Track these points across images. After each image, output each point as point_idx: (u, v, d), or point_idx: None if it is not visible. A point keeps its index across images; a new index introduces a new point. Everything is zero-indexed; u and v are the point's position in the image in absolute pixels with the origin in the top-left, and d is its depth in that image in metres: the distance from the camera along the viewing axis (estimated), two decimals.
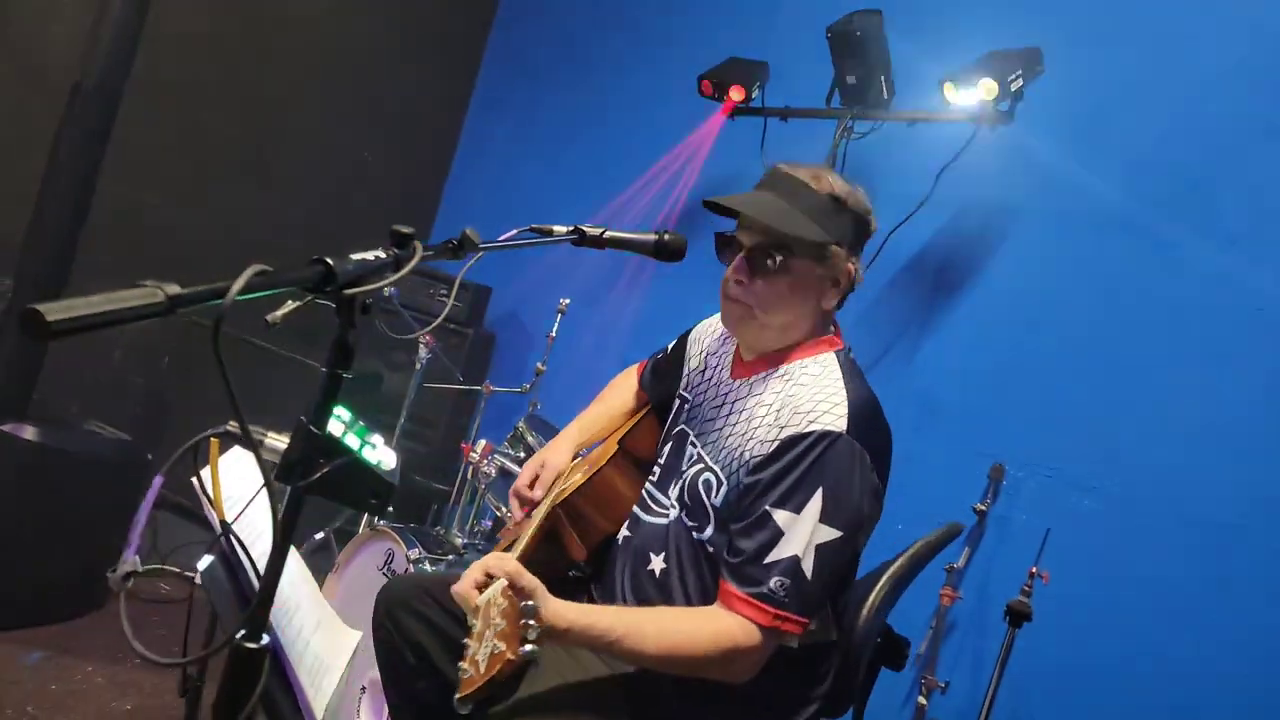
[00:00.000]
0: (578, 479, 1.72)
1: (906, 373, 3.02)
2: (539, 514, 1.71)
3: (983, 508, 2.72)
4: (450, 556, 2.42)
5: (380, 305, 3.73)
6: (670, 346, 1.91)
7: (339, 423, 1.94)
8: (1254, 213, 2.46)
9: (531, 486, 1.84)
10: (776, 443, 1.41)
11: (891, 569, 1.54)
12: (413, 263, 0.91)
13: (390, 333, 3.60)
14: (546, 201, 4.35)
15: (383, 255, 0.90)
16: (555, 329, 3.41)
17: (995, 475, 2.73)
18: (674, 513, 1.57)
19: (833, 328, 1.60)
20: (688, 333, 1.87)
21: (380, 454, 2.04)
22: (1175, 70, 2.60)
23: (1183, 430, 2.45)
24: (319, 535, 3.42)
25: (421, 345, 3.33)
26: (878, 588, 1.52)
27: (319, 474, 0.88)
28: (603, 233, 1.53)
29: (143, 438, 3.12)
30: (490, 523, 2.90)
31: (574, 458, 1.92)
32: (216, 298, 0.69)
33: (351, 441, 1.99)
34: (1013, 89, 2.41)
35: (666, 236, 1.55)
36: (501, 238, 1.51)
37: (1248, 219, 2.46)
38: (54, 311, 0.57)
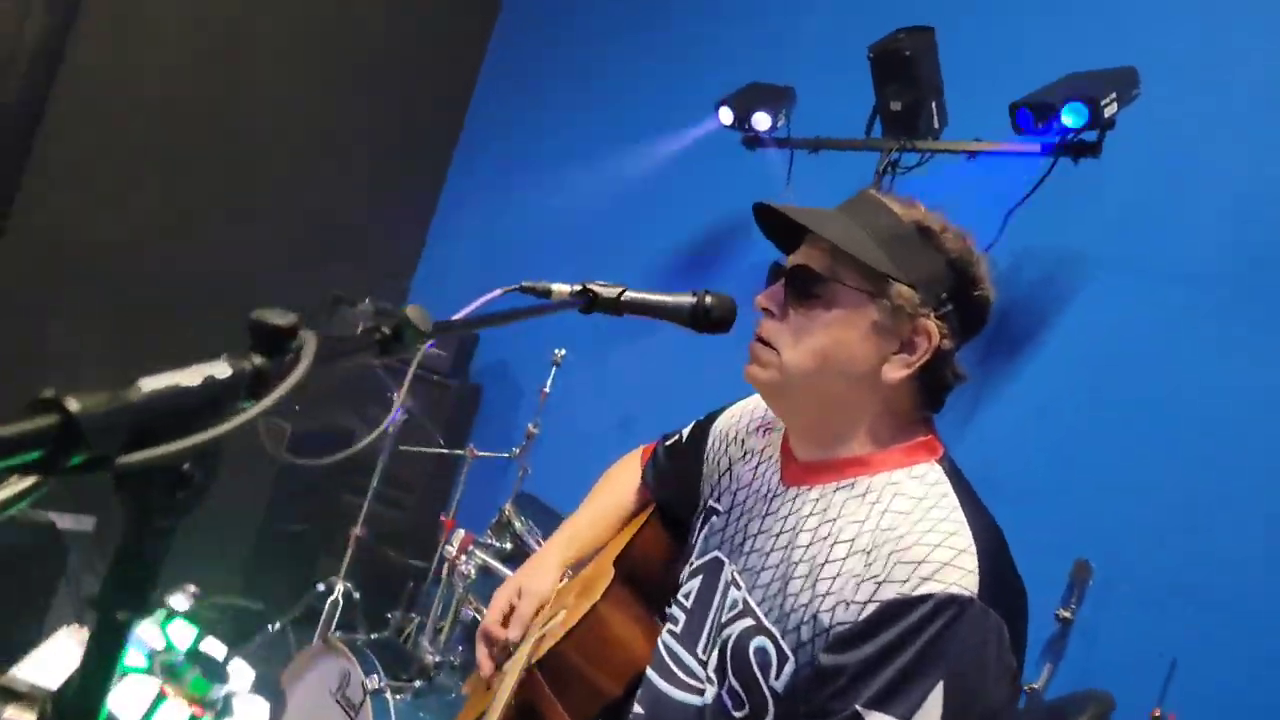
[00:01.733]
0: (558, 624, 1.26)
1: (957, 447, 2.55)
2: (512, 674, 1.25)
3: (1067, 614, 2.25)
4: (418, 683, 1.94)
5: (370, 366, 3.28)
6: (685, 434, 1.45)
7: (165, 668, 1.11)
8: None
9: (506, 623, 1.38)
10: (872, 606, 0.96)
11: None
12: (281, 390, 0.47)
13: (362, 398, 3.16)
14: (541, 240, 3.92)
15: (218, 374, 0.45)
16: (550, 383, 2.99)
17: (1079, 574, 2.26)
18: (711, 690, 1.11)
19: (927, 430, 1.13)
20: (710, 420, 1.41)
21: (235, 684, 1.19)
22: None
23: None
24: (274, 627, 2.93)
25: (395, 405, 2.88)
26: None
27: None
28: (620, 294, 1.09)
29: None
30: (470, 616, 2.43)
31: (561, 578, 1.46)
32: None
33: (171, 716, 1.08)
34: (1106, 114, 2.00)
35: (709, 299, 1.12)
36: (477, 303, 1.08)
37: None
38: None
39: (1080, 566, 2.26)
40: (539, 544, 2.24)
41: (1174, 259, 2.29)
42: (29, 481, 0.40)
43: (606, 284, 1.10)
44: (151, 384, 0.42)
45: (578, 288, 1.07)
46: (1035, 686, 2.23)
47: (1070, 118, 2.01)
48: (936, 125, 2.48)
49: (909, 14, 2.53)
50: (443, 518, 2.96)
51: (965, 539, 0.97)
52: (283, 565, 3.51)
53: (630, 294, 1.10)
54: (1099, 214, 2.39)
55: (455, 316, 0.89)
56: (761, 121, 2.77)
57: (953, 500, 1.02)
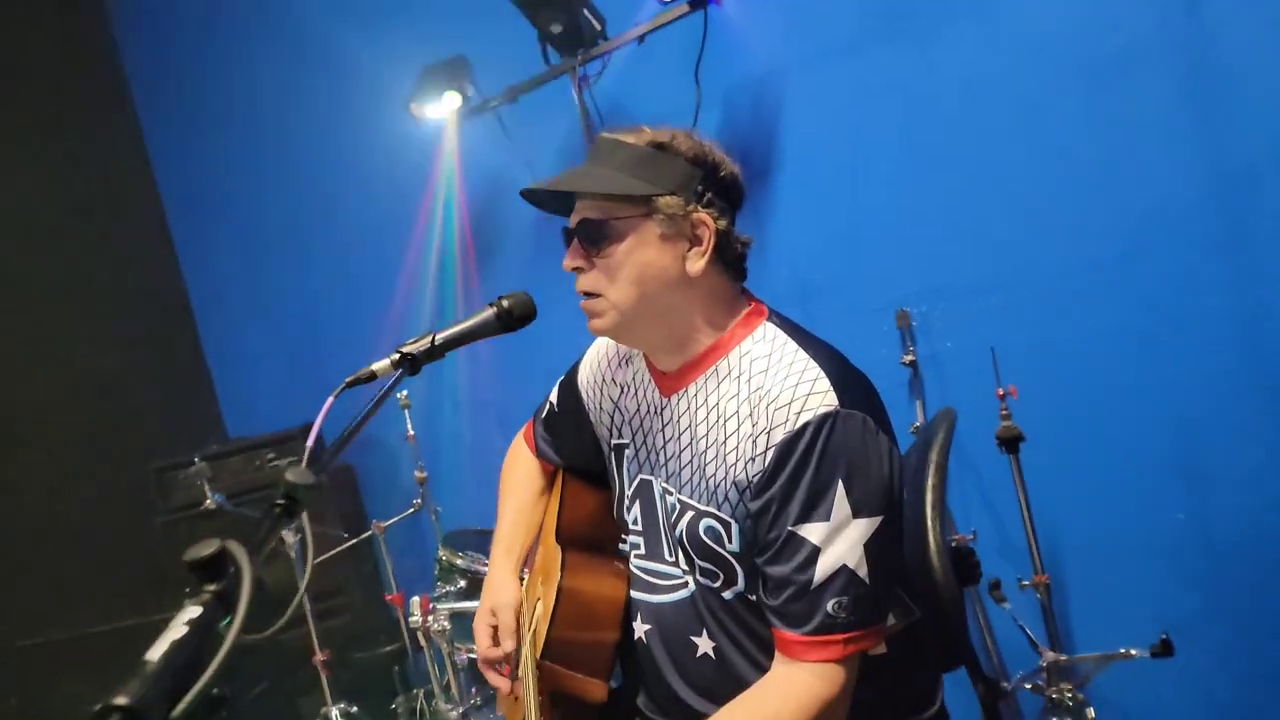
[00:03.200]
0: (541, 616, 1.41)
1: (765, 272, 2.84)
2: (527, 675, 1.39)
3: (910, 357, 2.61)
4: None
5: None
6: (555, 398, 1.61)
7: None
8: None
9: (497, 643, 1.51)
10: (771, 451, 1.17)
11: (930, 499, 1.34)
12: (245, 598, 0.57)
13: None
14: (317, 318, 3.87)
15: (192, 613, 0.55)
16: (410, 427, 3.04)
17: (902, 322, 2.62)
18: (689, 579, 1.30)
19: (747, 299, 1.34)
20: (572, 378, 1.57)
21: None
22: None
23: (1037, 187, 2.41)
24: None
25: (283, 532, 2.84)
26: (930, 526, 1.32)
27: None
28: (433, 341, 1.21)
29: None
30: (465, 658, 2.54)
31: (521, 580, 1.60)
32: None
33: None
34: None
35: (505, 303, 1.25)
36: (320, 417, 1.16)
37: None
38: None
39: (901, 315, 2.61)
40: (487, 567, 2.35)
41: (829, 37, 2.57)
42: None
43: (416, 339, 1.21)
44: (156, 651, 0.51)
45: (396, 357, 1.18)
46: (918, 425, 2.60)
47: None
48: (599, 28, 2.63)
49: None
50: (388, 597, 3.01)
51: (813, 369, 1.18)
52: None
53: (440, 336, 1.22)
54: (762, 33, 2.62)
55: (310, 442, 0.99)
56: (452, 100, 2.83)
57: (792, 345, 1.23)
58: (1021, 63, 2.40)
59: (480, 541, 2.51)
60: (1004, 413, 2.20)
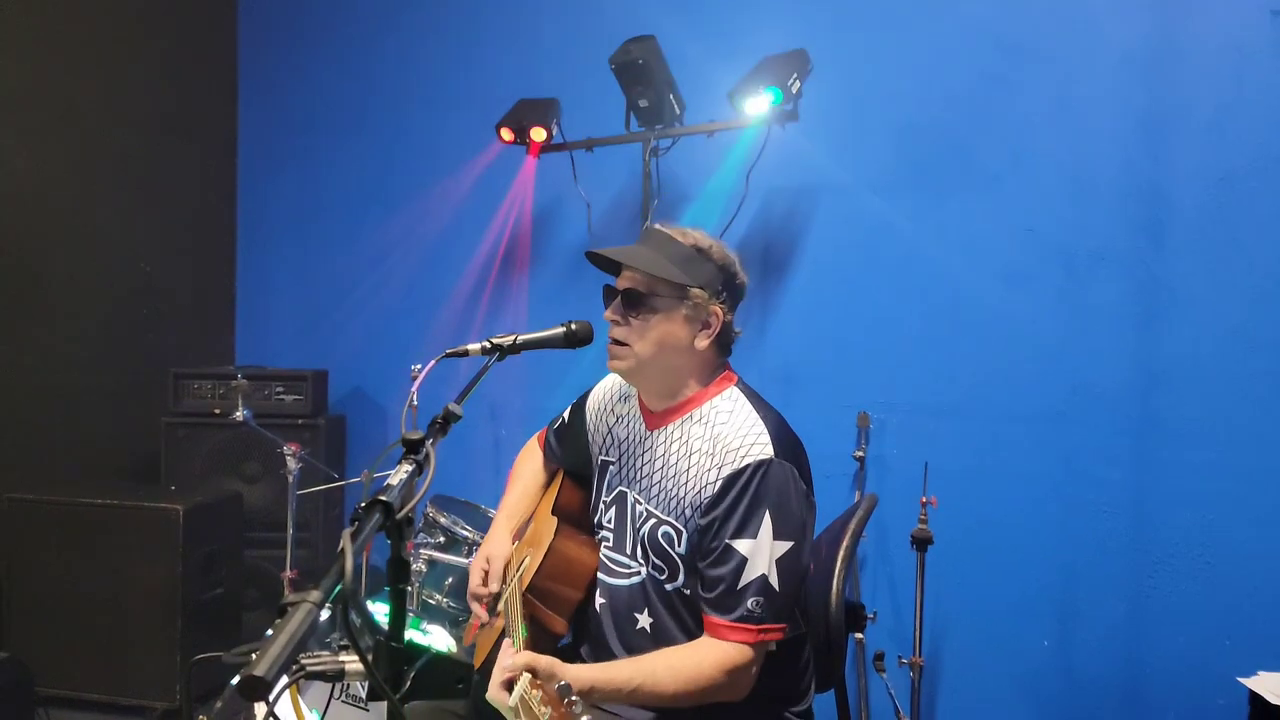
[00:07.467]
0: (530, 562, 1.80)
1: (761, 352, 3.29)
2: (514, 604, 1.77)
3: (860, 454, 3.05)
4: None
5: (235, 429, 3.53)
6: (567, 415, 2.02)
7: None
8: (1006, 153, 2.91)
9: (486, 583, 1.89)
10: (720, 482, 1.57)
11: (842, 553, 1.75)
12: (432, 463, 0.98)
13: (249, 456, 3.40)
14: (356, 280, 4.23)
15: (407, 468, 0.96)
16: (414, 397, 3.40)
17: (862, 423, 3.07)
18: (643, 570, 1.69)
19: (725, 369, 1.76)
20: (583, 402, 1.99)
21: (436, 638, 2.05)
22: (921, 43, 3.01)
23: (1001, 342, 2.90)
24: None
25: (288, 457, 3.21)
26: (837, 574, 1.73)
27: (409, 682, 0.93)
28: (515, 340, 1.62)
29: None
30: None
31: (513, 541, 1.99)
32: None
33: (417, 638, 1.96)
34: (793, 90, 2.69)
35: (574, 326, 1.67)
36: (424, 373, 1.58)
37: (1002, 159, 2.91)
38: (261, 668, 0.61)
39: (861, 417, 3.05)
40: (465, 531, 2.73)
41: (866, 175, 3.07)
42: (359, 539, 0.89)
43: (502, 335, 1.62)
44: (394, 479, 0.92)
45: (487, 345, 1.59)
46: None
47: (771, 97, 2.67)
48: (678, 111, 3.09)
49: (632, 24, 3.11)
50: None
51: (759, 426, 1.60)
52: (213, 629, 3.72)
53: (521, 338, 1.63)
54: (812, 156, 3.11)
55: (459, 400, 1.37)
56: (538, 134, 3.27)
57: (749, 407, 1.65)
58: (1015, 239, 2.90)
59: (464, 510, 2.88)
60: (922, 518, 2.63)
